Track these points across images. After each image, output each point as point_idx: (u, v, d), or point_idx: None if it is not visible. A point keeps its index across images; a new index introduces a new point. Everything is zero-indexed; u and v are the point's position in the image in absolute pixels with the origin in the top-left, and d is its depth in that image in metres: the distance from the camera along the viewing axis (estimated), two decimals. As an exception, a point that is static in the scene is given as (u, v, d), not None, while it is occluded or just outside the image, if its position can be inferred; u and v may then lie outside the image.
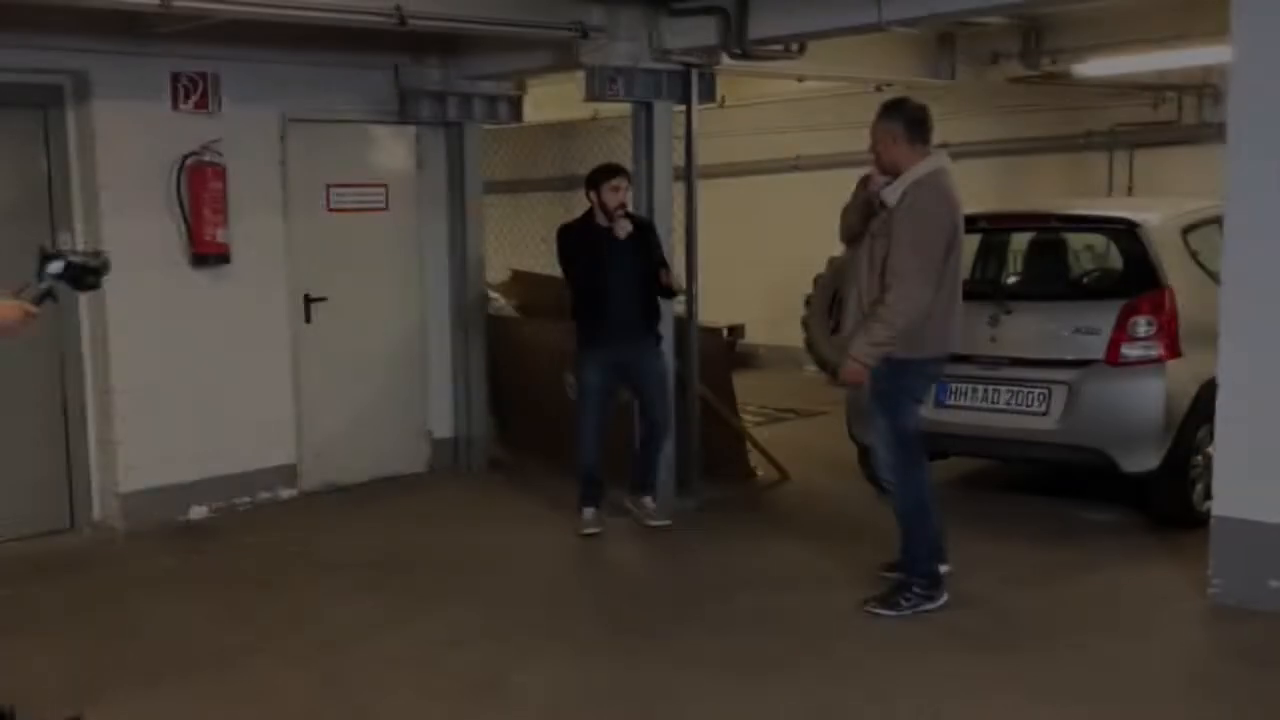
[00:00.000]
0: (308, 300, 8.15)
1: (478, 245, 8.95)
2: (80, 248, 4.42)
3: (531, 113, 9.73)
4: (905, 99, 5.94)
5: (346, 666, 5.34)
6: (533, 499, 8.15)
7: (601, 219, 7.16)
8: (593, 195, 7.19)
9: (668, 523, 7.32)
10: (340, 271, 8.27)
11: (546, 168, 11.91)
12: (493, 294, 9.34)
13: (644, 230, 7.31)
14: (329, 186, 8.26)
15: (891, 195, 5.65)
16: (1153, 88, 10.97)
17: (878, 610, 5.81)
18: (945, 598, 5.85)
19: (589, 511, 7.33)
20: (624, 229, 7.11)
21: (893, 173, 5.69)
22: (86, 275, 4.21)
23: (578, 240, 7.27)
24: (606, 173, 7.19)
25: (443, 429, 8.98)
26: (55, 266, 4.13)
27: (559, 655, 5.42)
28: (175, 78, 7.46)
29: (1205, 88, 10.84)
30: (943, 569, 5.93)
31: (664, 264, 7.33)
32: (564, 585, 6.50)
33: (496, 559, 6.87)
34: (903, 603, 5.80)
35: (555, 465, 8.43)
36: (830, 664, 5.27)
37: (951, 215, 5.68)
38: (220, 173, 7.53)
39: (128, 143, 7.32)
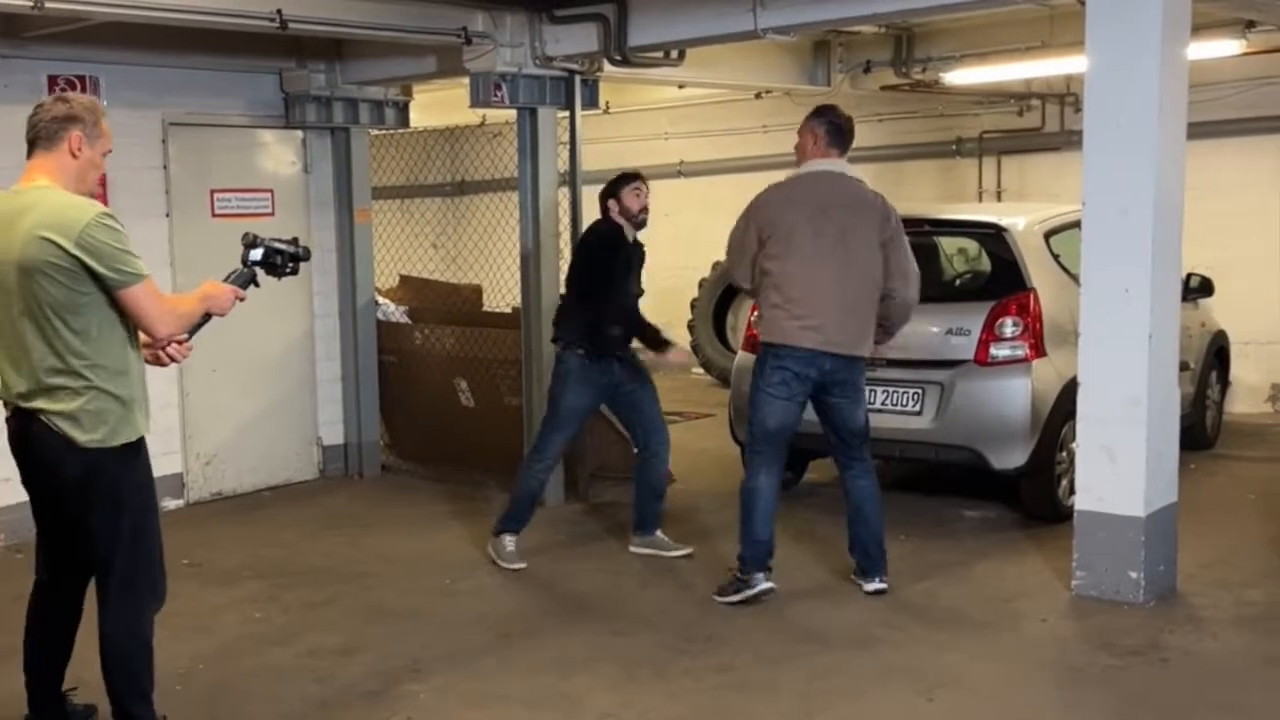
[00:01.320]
0: (194, 307, 7.92)
1: (367, 250, 8.80)
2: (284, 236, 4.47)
3: (419, 118, 9.61)
4: (834, 106, 6.07)
5: (235, 679, 5.19)
6: (424, 505, 8.01)
7: (629, 230, 6.62)
8: (613, 203, 6.61)
9: (689, 551, 6.78)
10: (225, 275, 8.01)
11: (435, 173, 11.76)
12: (382, 300, 9.19)
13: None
14: (213, 191, 8.05)
15: None
16: (1019, 96, 11.21)
17: (715, 597, 5.96)
18: (763, 585, 5.90)
19: (511, 539, 6.71)
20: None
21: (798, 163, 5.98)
22: (286, 262, 4.32)
23: (624, 250, 6.60)
24: (625, 178, 6.68)
25: (333, 436, 8.80)
26: (256, 254, 4.27)
27: (453, 665, 5.30)
28: (53, 80, 7.20)
29: (1067, 96, 11.11)
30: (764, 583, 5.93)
31: None
32: (458, 593, 6.34)
33: (390, 568, 6.71)
34: (729, 587, 5.96)
35: (447, 472, 8.30)
36: (706, 664, 5.23)
37: (770, 211, 5.88)
38: (101, 178, 7.25)
39: (3, 146, 7.03)
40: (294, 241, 4.38)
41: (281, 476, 8.51)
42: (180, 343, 4.18)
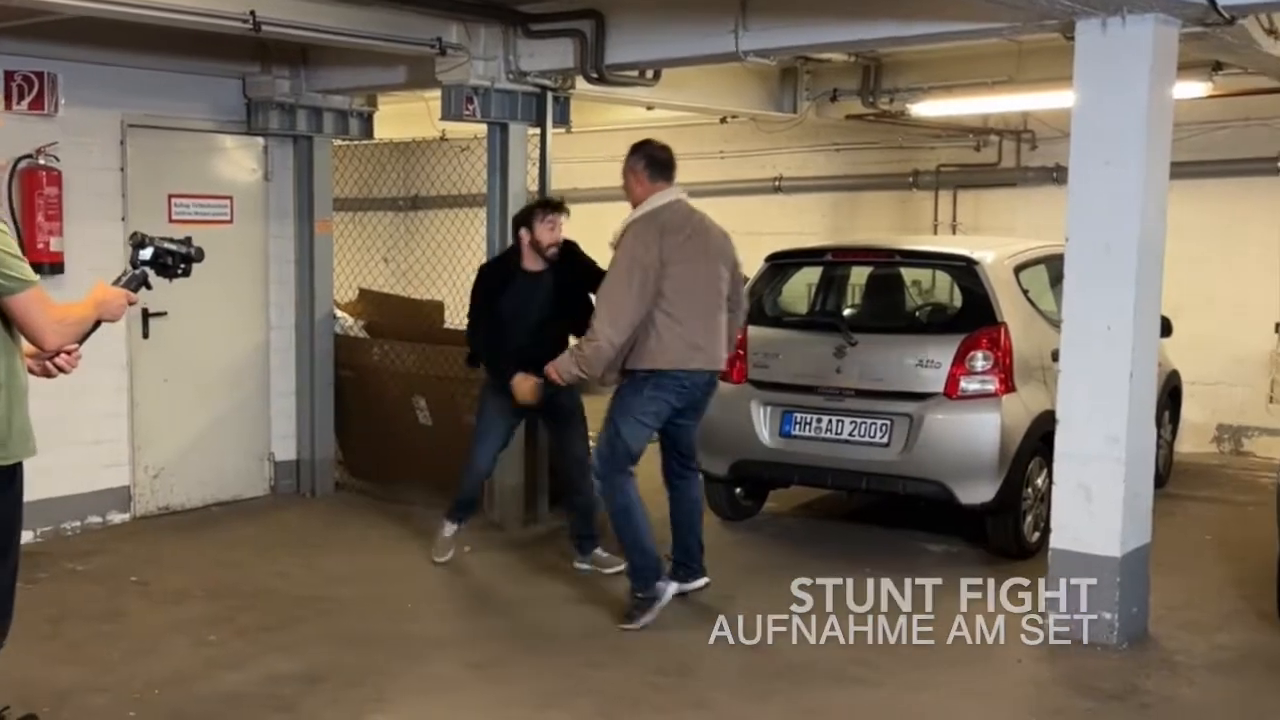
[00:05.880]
0: (146, 315, 7.55)
1: (326, 262, 8.50)
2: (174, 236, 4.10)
3: (376, 130, 9.32)
4: (650, 140, 6.10)
5: (191, 706, 4.88)
6: (379, 525, 7.73)
7: (529, 260, 6.59)
8: (523, 232, 6.57)
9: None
10: (181, 286, 7.53)
11: (390, 187, 11.47)
12: (340, 313, 8.87)
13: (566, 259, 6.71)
14: (171, 196, 7.73)
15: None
16: (977, 131, 11.16)
17: (623, 626, 5.84)
18: (671, 590, 5.90)
19: (453, 528, 6.89)
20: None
21: (634, 205, 5.97)
22: (178, 263, 4.03)
23: (499, 280, 6.69)
24: (544, 206, 6.64)
25: (286, 451, 8.47)
26: (145, 254, 3.98)
27: (420, 696, 5.03)
28: (9, 76, 6.89)
29: (1024, 133, 11.10)
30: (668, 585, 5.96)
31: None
32: (419, 618, 6.06)
33: (346, 591, 6.41)
34: (634, 611, 5.86)
35: (401, 492, 8.03)
36: (682, 699, 5.03)
37: (656, 249, 5.79)
38: (55, 178, 6.98)
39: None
40: (186, 241, 4.08)
41: (231, 492, 8.18)
42: (69, 353, 3.82)
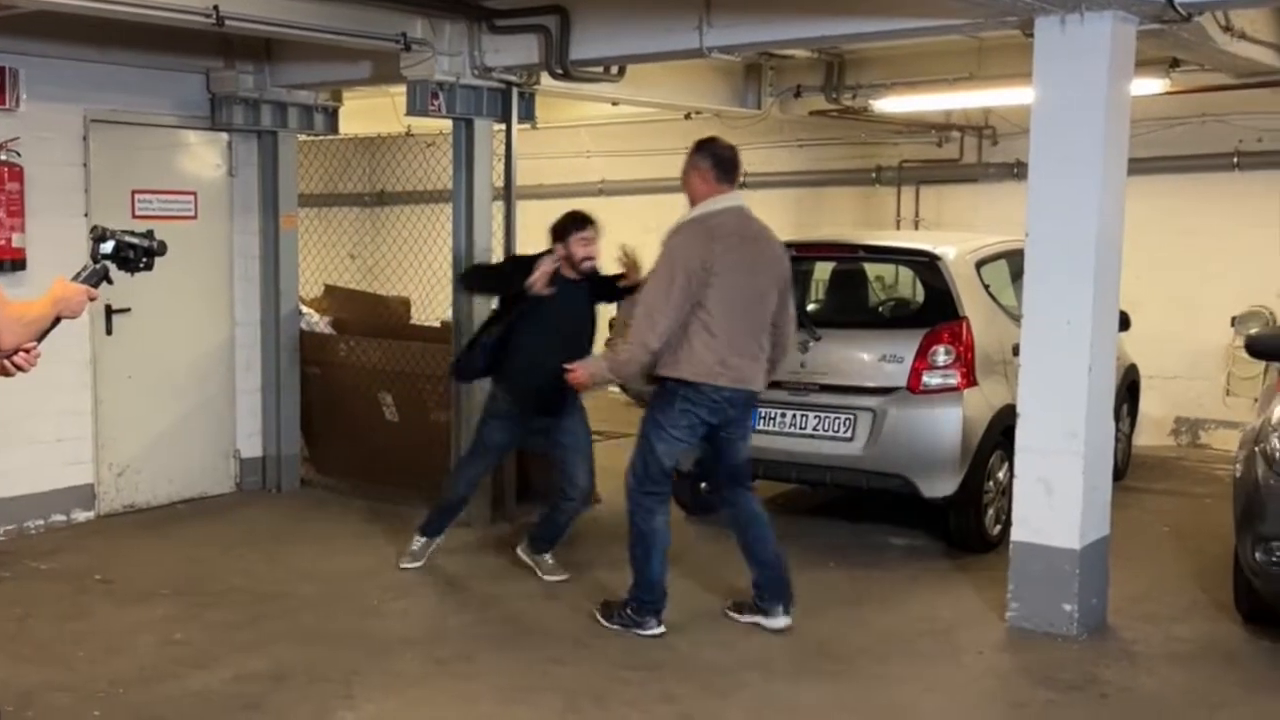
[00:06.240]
0: (109, 311, 7.47)
1: (291, 258, 8.41)
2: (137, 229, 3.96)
3: (341, 126, 9.24)
4: (716, 139, 5.78)
5: (157, 705, 4.81)
6: (345, 522, 7.65)
7: (567, 271, 6.25)
8: (559, 247, 6.24)
9: (565, 577, 6.51)
10: (145, 281, 7.42)
11: (355, 182, 11.38)
12: (306, 309, 8.79)
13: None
14: (134, 192, 7.63)
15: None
16: (939, 127, 11.18)
17: (598, 616, 5.78)
18: (655, 630, 5.63)
19: (422, 540, 6.68)
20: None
21: (692, 204, 5.65)
22: (140, 256, 3.84)
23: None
24: (576, 223, 6.27)
25: (251, 448, 8.38)
26: (106, 247, 3.79)
27: (387, 691, 4.99)
28: (-31, 70, 6.78)
29: (985, 129, 11.12)
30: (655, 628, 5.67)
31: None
32: (386, 615, 6.00)
33: (313, 588, 6.34)
34: (615, 616, 5.72)
35: (368, 488, 7.97)
36: (649, 693, 5.00)
37: (703, 252, 5.44)
38: (17, 173, 6.88)
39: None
40: (148, 235, 3.92)
41: (197, 489, 8.09)
42: (27, 351, 3.66)
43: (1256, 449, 5.60)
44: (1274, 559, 5.33)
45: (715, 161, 5.59)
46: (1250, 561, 5.49)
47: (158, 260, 3.94)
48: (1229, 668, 5.38)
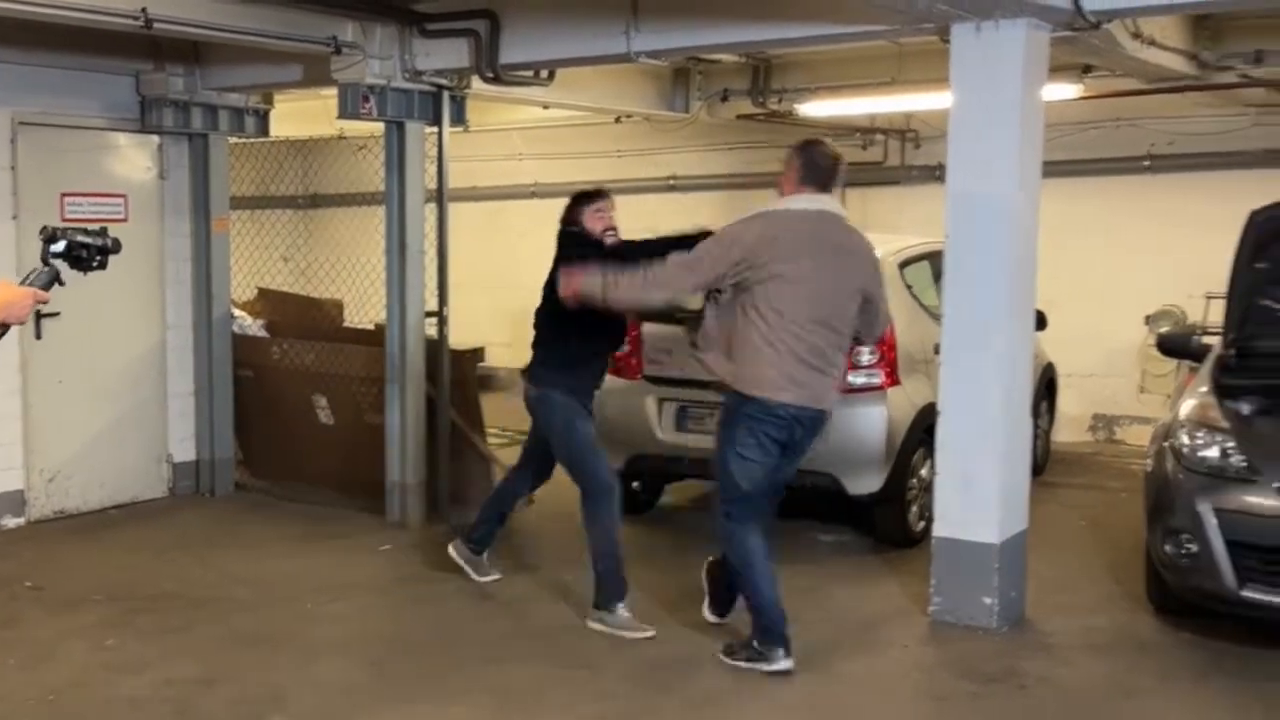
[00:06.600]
0: (39, 315, 7.28)
1: (224, 261, 8.30)
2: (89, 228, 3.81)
3: (275, 128, 9.13)
4: (818, 142, 5.40)
5: (89, 711, 4.73)
6: (279, 525, 7.56)
7: None
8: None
9: (498, 576, 6.40)
10: (75, 286, 7.28)
11: (288, 185, 11.23)
12: (239, 313, 8.67)
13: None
14: (64, 195, 7.48)
15: None
16: (863, 131, 11.26)
17: (722, 657, 5.29)
18: (783, 664, 5.17)
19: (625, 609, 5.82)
20: None
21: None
22: (93, 255, 3.69)
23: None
24: (587, 198, 5.93)
25: (184, 453, 8.25)
26: (58, 247, 3.64)
27: (319, 694, 4.93)
28: (-109, 74, 6.62)
29: (908, 132, 11.22)
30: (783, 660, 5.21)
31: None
32: (320, 619, 5.92)
33: (247, 592, 6.25)
34: (739, 653, 5.27)
35: (303, 492, 7.89)
36: (584, 692, 4.99)
37: (773, 247, 5.05)
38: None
39: None
40: (101, 233, 3.79)
41: (129, 494, 7.95)
42: None
43: (1166, 444, 5.71)
44: (1183, 551, 5.42)
45: (805, 163, 5.23)
46: (1160, 554, 5.58)
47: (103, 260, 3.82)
48: (1143, 656, 5.47)
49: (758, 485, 5.19)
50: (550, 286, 5.77)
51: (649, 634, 5.59)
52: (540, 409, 5.91)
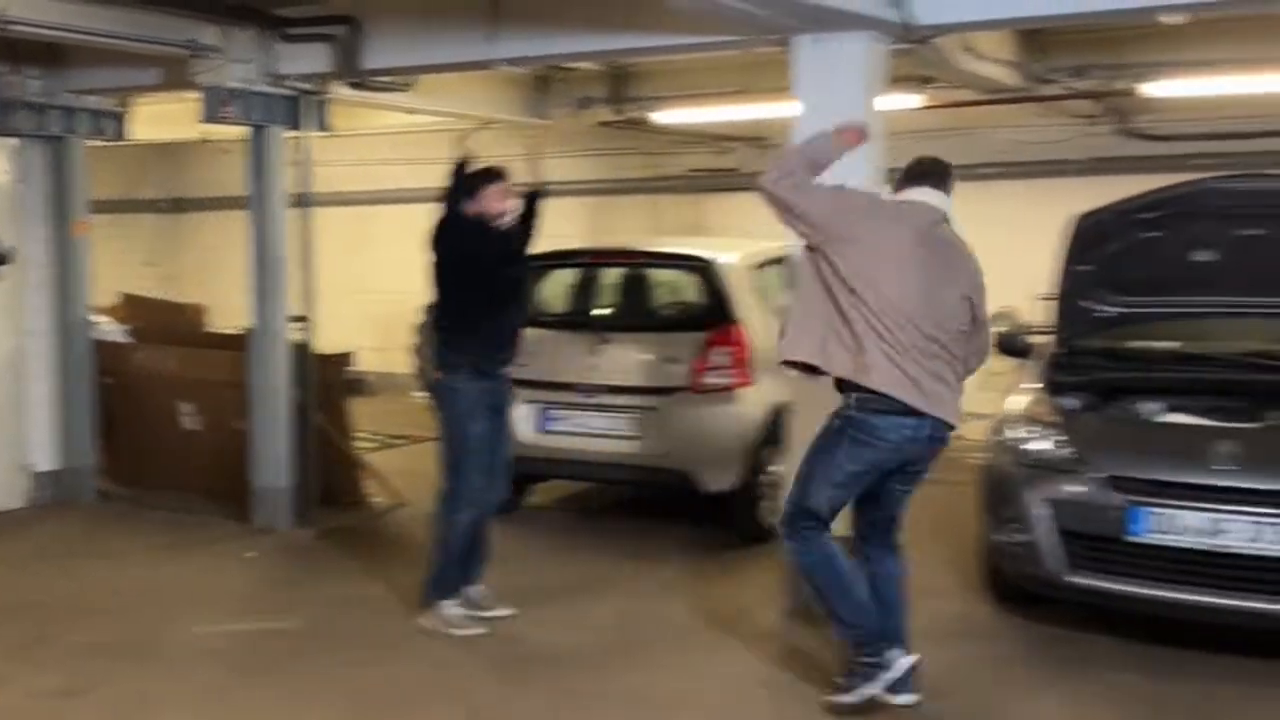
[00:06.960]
0: (-112, 322, 7.10)
1: (83, 265, 8.09)
2: None
3: (139, 131, 8.96)
4: (926, 157, 5.14)
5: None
6: (144, 533, 7.41)
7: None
8: (468, 204, 5.58)
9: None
10: (-74, 291, 7.23)
11: (152, 188, 11.01)
12: (101, 318, 8.46)
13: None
14: (-86, 200, 7.26)
15: None
16: (720, 138, 11.42)
17: (831, 697, 4.77)
18: (904, 662, 4.70)
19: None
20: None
21: None
22: None
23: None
24: (489, 176, 5.59)
25: (45, 461, 8.04)
26: None
27: (182, 703, 4.88)
28: None
29: (760, 139, 11.40)
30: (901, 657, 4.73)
31: None
32: (182, 625, 5.80)
33: (111, 602, 6.11)
34: (845, 683, 4.75)
35: (168, 499, 7.75)
36: (442, 692, 4.99)
37: (849, 218, 4.65)
38: None
39: None
40: None
41: (-13, 504, 7.71)
42: None
43: (1000, 439, 5.95)
44: (1015, 540, 5.61)
45: (904, 173, 5.00)
46: (995, 543, 5.79)
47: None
48: (979, 644, 5.60)
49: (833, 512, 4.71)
50: (439, 267, 5.58)
51: (479, 631, 5.58)
52: (442, 396, 5.67)
